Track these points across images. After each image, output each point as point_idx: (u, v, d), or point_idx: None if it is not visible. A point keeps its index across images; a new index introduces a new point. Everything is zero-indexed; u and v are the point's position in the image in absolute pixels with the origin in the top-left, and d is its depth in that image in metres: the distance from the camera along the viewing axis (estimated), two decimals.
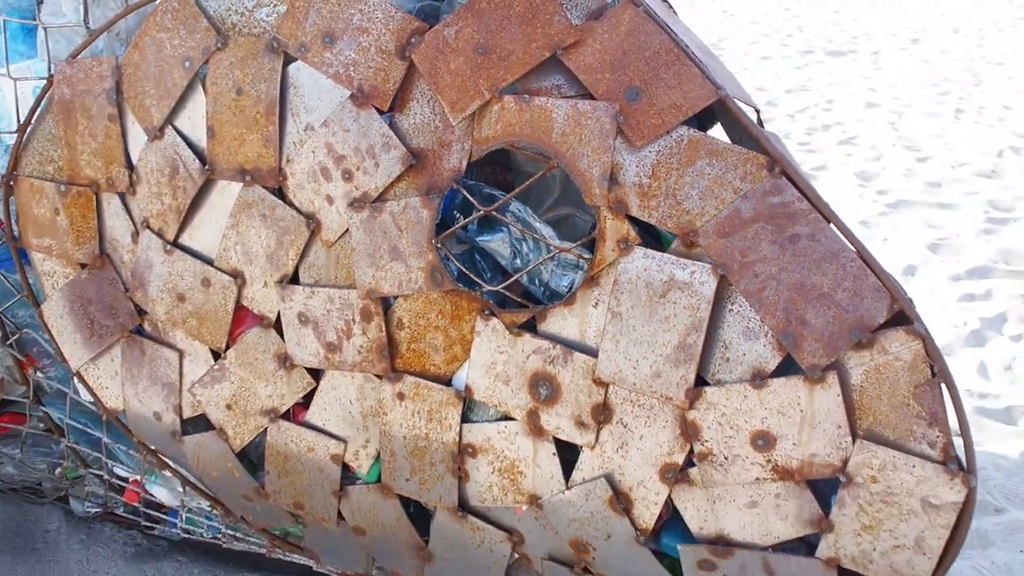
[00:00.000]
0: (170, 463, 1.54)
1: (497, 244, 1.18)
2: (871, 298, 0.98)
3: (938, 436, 0.98)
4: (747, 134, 1.04)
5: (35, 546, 1.99)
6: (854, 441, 1.01)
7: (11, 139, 1.46)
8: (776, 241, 1.01)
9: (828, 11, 11.04)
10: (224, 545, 1.73)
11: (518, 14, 1.07)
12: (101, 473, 1.74)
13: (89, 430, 1.64)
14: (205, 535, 1.76)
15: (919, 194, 4.05)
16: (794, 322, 1.01)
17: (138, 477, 1.68)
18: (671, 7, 1.37)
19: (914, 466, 0.99)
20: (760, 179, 1.01)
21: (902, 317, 0.98)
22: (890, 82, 6.62)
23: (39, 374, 1.66)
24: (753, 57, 7.72)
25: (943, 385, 0.97)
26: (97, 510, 1.89)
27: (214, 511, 1.59)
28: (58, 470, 1.89)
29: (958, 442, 1.01)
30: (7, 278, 1.55)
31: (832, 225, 1.01)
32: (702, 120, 1.14)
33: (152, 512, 1.76)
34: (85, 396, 1.61)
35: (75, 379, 1.55)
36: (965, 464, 0.98)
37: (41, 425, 1.78)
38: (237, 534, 1.62)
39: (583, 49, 1.06)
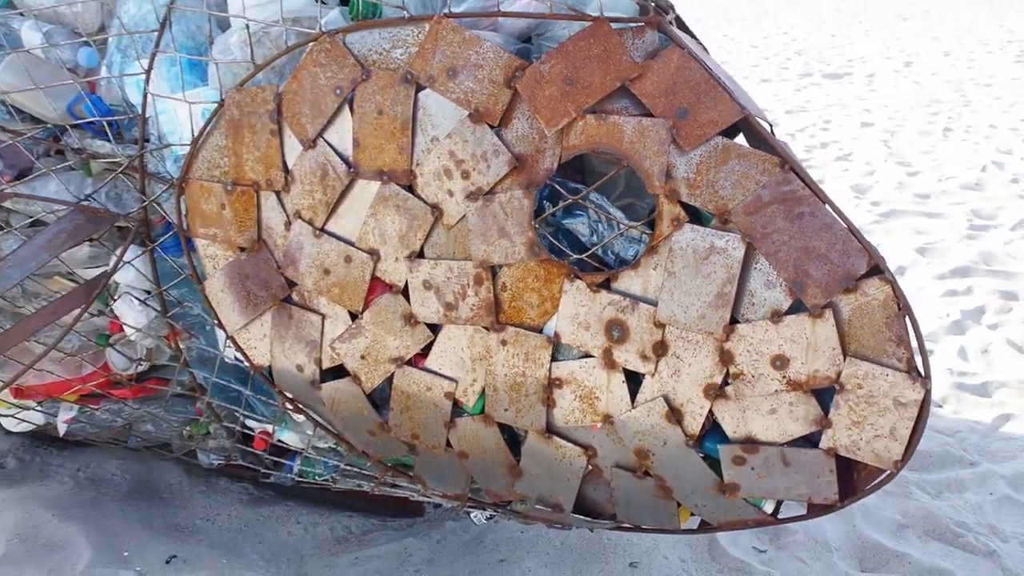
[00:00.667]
0: (305, 408, 1.94)
1: (579, 225, 1.59)
2: (855, 256, 1.40)
3: (903, 353, 1.39)
4: (763, 141, 1.46)
5: (162, 496, 2.39)
6: (845, 359, 1.42)
7: (183, 151, 1.88)
8: (787, 217, 1.42)
9: (825, 35, 11.55)
10: (333, 488, 2.13)
11: (596, 55, 1.49)
12: (232, 426, 2.14)
13: (232, 385, 2.04)
14: (318, 477, 2.16)
15: (909, 204, 4.49)
16: (801, 274, 1.42)
17: (268, 427, 2.08)
18: (702, 45, 1.79)
19: (887, 375, 1.40)
20: (775, 173, 1.42)
21: (876, 269, 1.39)
22: (884, 103, 7.08)
23: (187, 342, 2.06)
24: (754, 80, 8.19)
25: (906, 317, 1.39)
26: (221, 461, 2.29)
27: (339, 447, 1.99)
28: (187, 429, 2.30)
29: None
30: (173, 261, 1.96)
31: (827, 206, 1.42)
32: (730, 131, 1.56)
33: (273, 458, 2.16)
34: (229, 357, 2.02)
35: (228, 341, 1.96)
36: (923, 372, 1.39)
37: (178, 388, 2.19)
38: (353, 467, 2.02)
39: (644, 81, 1.48)
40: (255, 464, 2.24)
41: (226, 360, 2.04)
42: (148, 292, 2.04)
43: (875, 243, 4.02)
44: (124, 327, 2.09)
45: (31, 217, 2.07)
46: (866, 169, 5.15)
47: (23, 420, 2.32)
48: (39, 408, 2.29)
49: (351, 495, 2.29)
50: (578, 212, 1.60)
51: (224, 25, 1.87)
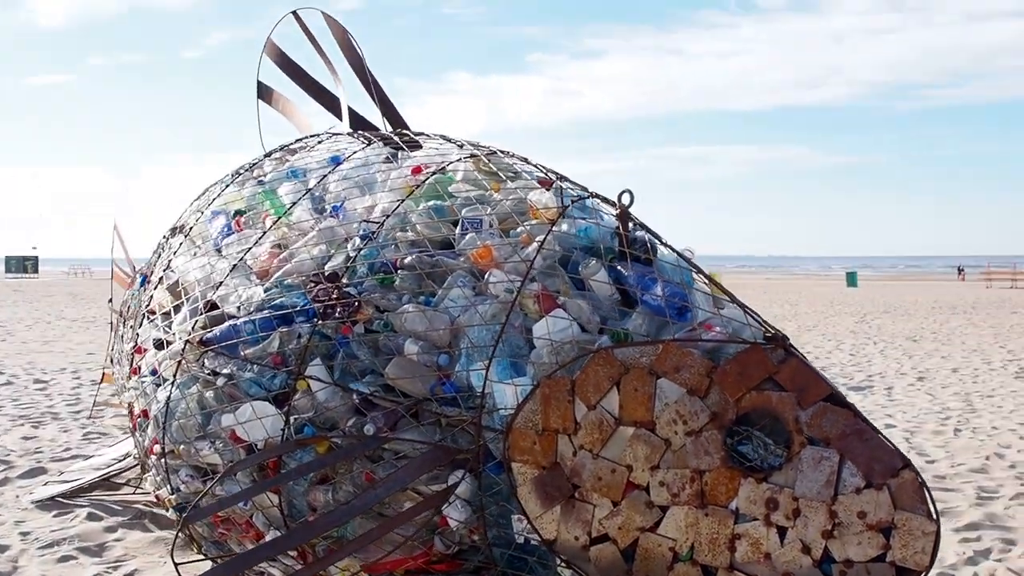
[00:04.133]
0: (573, 565, 3.37)
1: (747, 449, 3.15)
2: (897, 459, 2.94)
3: (924, 507, 2.90)
4: (845, 404, 3.06)
5: None
6: (895, 511, 2.93)
7: (506, 414, 3.45)
8: (860, 441, 2.98)
9: (845, 354, 13.46)
10: None
11: (754, 361, 3.12)
12: None
13: (521, 556, 3.48)
14: None
15: (930, 482, 5.99)
16: (870, 469, 2.95)
17: None
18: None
19: (917, 518, 2.90)
20: (851, 419, 3.00)
21: (908, 465, 2.94)
22: (902, 410, 8.75)
23: (492, 531, 3.53)
24: None
25: (924, 487, 2.91)
26: None
27: None
28: None
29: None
30: (495, 478, 3.47)
31: (881, 437, 2.99)
32: (828, 398, 3.14)
33: None
34: (520, 538, 3.47)
35: (526, 526, 3.43)
36: (935, 516, 2.90)
37: (475, 563, 3.62)
38: None
39: (780, 374, 3.10)
40: None
41: (517, 540, 3.50)
42: (469, 501, 3.54)
43: None
44: (449, 521, 3.56)
45: (397, 453, 3.61)
46: None
47: None
48: None
49: None
50: (746, 441, 3.16)
51: (530, 342, 3.53)
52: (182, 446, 3.99)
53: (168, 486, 4.12)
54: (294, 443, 3.66)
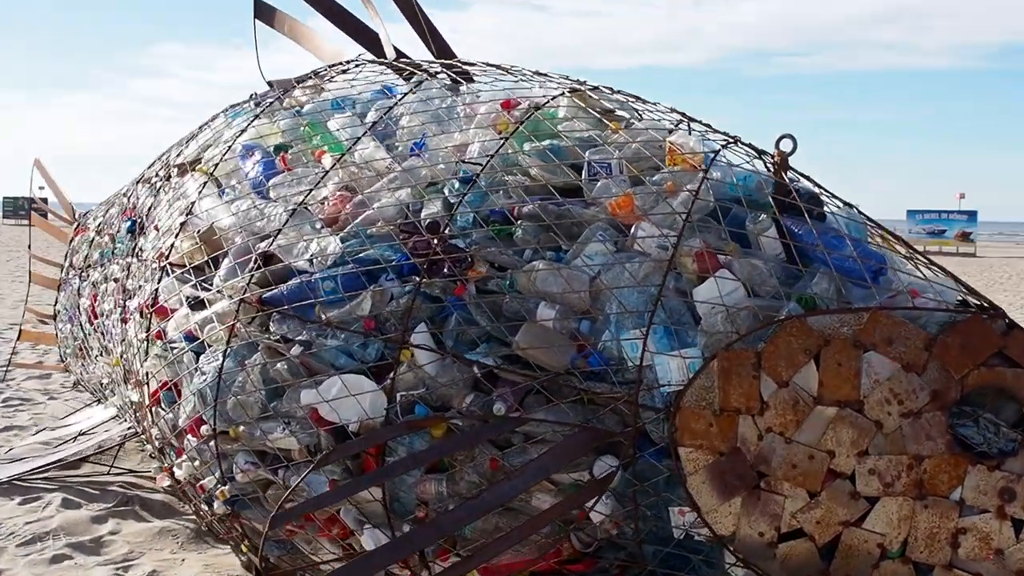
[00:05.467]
0: (751, 563, 2.97)
1: (972, 432, 2.81)
2: None
3: None
4: None
5: None
6: None
7: (670, 391, 3.00)
8: None
9: None
10: None
11: (977, 332, 2.78)
12: None
13: (681, 554, 3.05)
14: None
15: None
16: None
17: None
18: None
19: None
20: None
21: None
22: None
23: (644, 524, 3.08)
24: None
25: None
26: None
27: None
28: None
29: None
30: (657, 463, 3.02)
31: None
32: None
33: None
34: (678, 533, 3.04)
35: (687, 520, 3.00)
36: None
37: (606, 564, 3.17)
38: None
39: (1010, 347, 2.76)
40: None
41: (675, 535, 3.07)
42: (617, 492, 3.07)
43: None
44: (592, 515, 3.09)
45: (528, 437, 3.10)
46: None
47: None
48: None
49: None
50: (968, 424, 2.82)
51: (692, 307, 3.08)
52: (241, 427, 3.35)
53: (216, 474, 3.46)
54: (405, 425, 3.10)
